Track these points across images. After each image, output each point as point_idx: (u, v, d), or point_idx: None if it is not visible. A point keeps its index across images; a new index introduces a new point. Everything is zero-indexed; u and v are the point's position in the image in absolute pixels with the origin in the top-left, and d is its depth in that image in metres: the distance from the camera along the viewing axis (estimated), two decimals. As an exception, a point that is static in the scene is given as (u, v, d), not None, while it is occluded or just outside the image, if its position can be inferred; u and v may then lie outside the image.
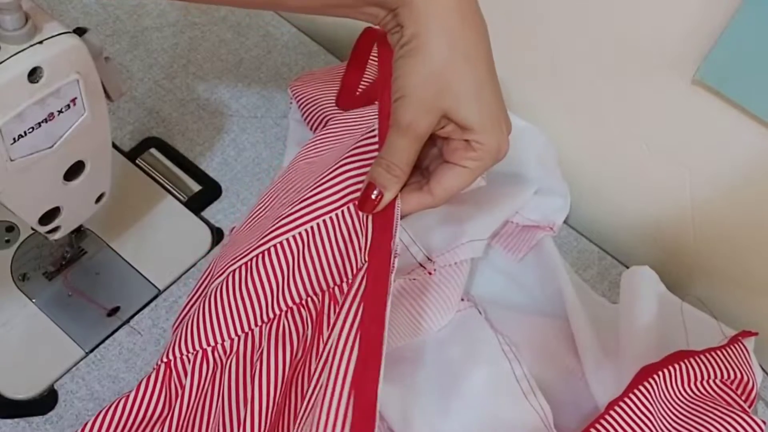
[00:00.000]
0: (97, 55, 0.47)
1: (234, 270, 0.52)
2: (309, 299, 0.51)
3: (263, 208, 0.58)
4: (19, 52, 0.42)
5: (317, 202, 0.51)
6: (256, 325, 0.51)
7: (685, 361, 0.56)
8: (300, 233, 0.51)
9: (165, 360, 0.51)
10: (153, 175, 0.68)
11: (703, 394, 0.55)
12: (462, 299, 0.62)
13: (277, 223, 0.52)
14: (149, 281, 0.63)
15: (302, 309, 0.51)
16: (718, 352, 0.57)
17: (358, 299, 0.46)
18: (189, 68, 0.77)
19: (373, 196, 0.47)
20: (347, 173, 0.51)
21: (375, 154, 0.51)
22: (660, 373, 0.55)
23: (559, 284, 0.63)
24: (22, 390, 0.57)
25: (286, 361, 0.48)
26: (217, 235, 0.66)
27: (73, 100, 0.46)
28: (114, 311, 0.61)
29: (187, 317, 0.54)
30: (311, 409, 0.44)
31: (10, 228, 0.63)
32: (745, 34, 0.53)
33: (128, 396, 0.50)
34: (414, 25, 0.43)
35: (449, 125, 0.46)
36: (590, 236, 0.71)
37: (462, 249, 0.62)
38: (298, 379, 0.48)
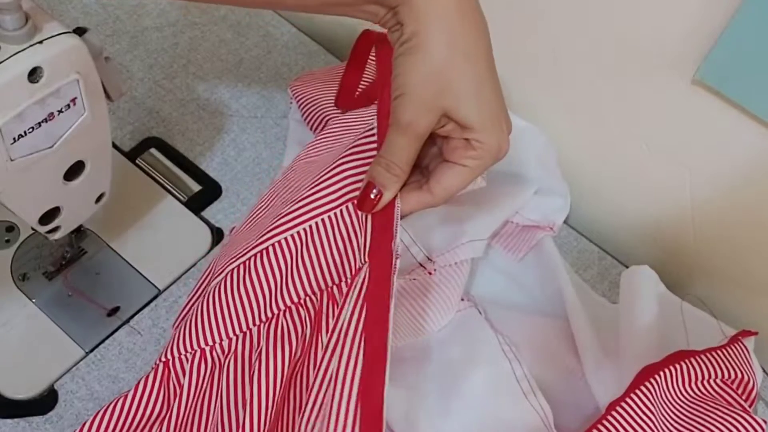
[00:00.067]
0: (97, 55, 0.47)
1: (232, 269, 0.52)
2: (308, 298, 0.51)
3: (263, 208, 0.58)
4: (19, 52, 0.42)
5: (316, 201, 0.51)
6: (254, 324, 0.51)
7: (686, 361, 0.56)
8: (298, 232, 0.51)
9: (163, 359, 0.51)
10: (153, 175, 0.68)
11: (704, 394, 0.55)
12: (462, 299, 0.62)
13: (276, 221, 0.52)
14: (149, 281, 0.63)
15: (301, 308, 0.51)
16: (719, 352, 0.57)
17: (360, 301, 0.46)
18: (189, 68, 0.77)
19: (372, 196, 0.47)
20: (346, 172, 0.51)
21: (374, 152, 0.51)
22: (661, 373, 0.55)
23: (559, 284, 0.63)
24: (22, 390, 0.57)
25: (285, 361, 0.48)
26: (217, 235, 0.66)
27: (73, 100, 0.46)
28: (114, 311, 0.61)
29: (186, 317, 0.54)
30: (319, 412, 0.44)
31: (10, 228, 0.63)
32: (745, 34, 0.53)
33: (126, 396, 0.50)
34: (414, 23, 0.43)
35: (449, 124, 0.45)
36: (590, 236, 0.71)
37: (462, 249, 0.62)
38: (297, 378, 0.48)
